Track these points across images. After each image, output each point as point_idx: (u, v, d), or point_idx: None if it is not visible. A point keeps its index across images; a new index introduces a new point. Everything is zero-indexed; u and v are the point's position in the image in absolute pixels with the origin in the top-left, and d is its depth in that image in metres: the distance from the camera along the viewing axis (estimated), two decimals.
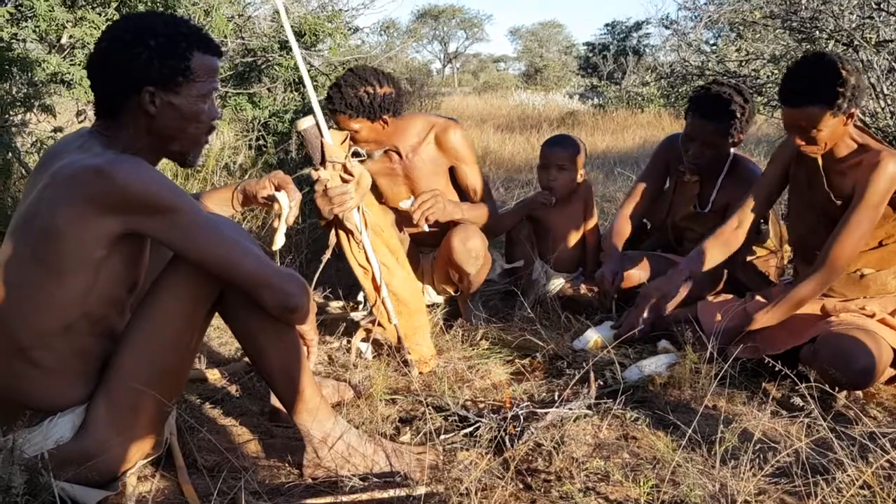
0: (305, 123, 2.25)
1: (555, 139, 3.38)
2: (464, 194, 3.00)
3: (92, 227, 1.51)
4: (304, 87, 2.30)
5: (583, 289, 3.16)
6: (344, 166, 2.24)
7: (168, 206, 1.53)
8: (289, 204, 1.98)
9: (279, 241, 2.01)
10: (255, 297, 1.63)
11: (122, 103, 1.62)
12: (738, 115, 2.85)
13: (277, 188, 2.01)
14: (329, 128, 2.27)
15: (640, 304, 2.63)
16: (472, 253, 2.77)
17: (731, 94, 2.87)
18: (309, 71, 4.66)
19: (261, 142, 4.74)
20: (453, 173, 2.99)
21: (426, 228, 2.74)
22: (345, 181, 2.24)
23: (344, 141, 2.32)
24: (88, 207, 1.49)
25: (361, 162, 2.93)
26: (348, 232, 2.35)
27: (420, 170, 2.94)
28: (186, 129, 1.67)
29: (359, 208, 2.32)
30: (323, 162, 2.24)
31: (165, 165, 4.16)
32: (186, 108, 1.64)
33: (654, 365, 2.40)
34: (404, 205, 2.75)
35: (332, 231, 2.40)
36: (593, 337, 2.70)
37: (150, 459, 1.76)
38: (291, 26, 4.91)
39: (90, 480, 1.60)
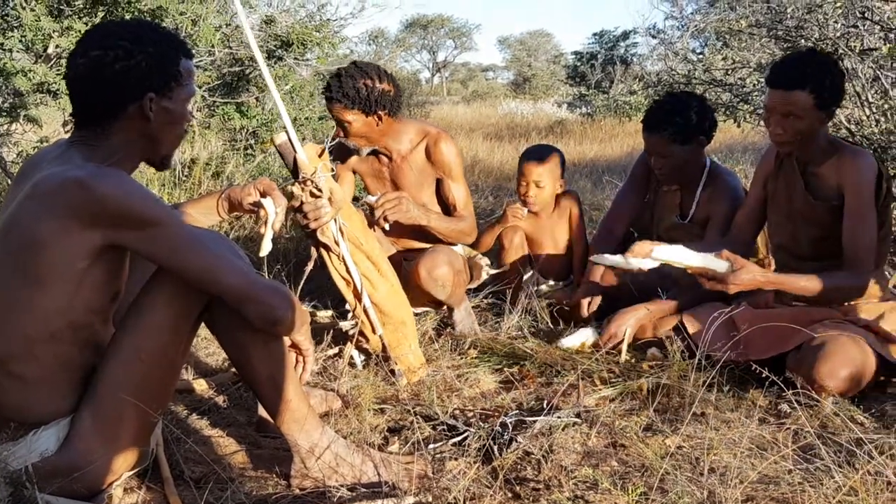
0: (281, 138, 2.24)
1: (532, 153, 3.29)
2: (446, 208, 2.99)
3: (74, 240, 1.50)
4: (281, 98, 2.27)
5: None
6: (312, 181, 2.23)
7: (151, 219, 1.53)
8: (275, 210, 1.98)
9: (266, 248, 2.00)
10: (239, 311, 1.63)
11: (119, 111, 1.61)
12: (679, 120, 2.86)
13: (263, 194, 2.00)
14: (304, 141, 2.26)
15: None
16: (439, 282, 2.75)
17: (670, 102, 2.92)
18: (298, 81, 4.67)
19: (249, 151, 4.74)
20: (438, 186, 2.97)
21: (386, 227, 2.72)
22: (315, 196, 2.23)
23: (321, 154, 2.31)
24: (70, 220, 1.48)
25: (351, 154, 2.92)
26: (325, 247, 2.35)
27: (407, 177, 2.93)
28: (173, 132, 1.69)
29: (335, 221, 2.32)
30: (297, 176, 2.23)
31: (154, 174, 4.15)
32: (176, 111, 1.66)
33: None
34: (370, 199, 2.74)
35: (316, 243, 2.39)
36: (582, 339, 2.73)
37: (136, 471, 1.74)
38: (278, 35, 4.94)
39: (76, 493, 1.58)
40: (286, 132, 2.22)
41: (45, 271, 1.51)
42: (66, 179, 1.49)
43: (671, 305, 2.72)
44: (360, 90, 2.68)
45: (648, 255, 2.35)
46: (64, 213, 1.48)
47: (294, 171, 2.23)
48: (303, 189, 2.21)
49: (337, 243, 2.34)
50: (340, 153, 2.99)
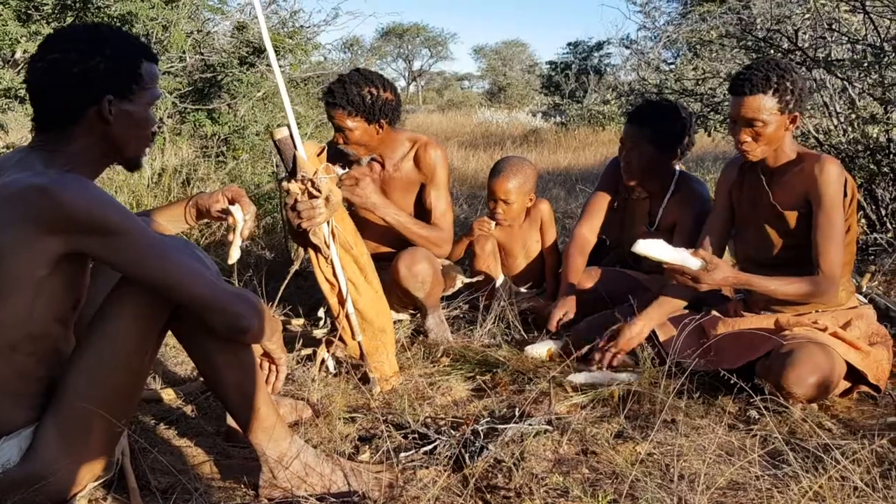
0: (281, 133, 2.23)
1: (500, 170, 3.24)
2: (426, 217, 2.96)
3: (35, 247, 1.47)
4: (281, 96, 2.27)
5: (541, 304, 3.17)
6: (312, 181, 2.22)
7: (113, 227, 1.50)
8: (243, 217, 1.96)
9: (234, 255, 1.98)
10: (204, 320, 1.61)
11: (78, 114, 1.58)
12: (662, 123, 2.91)
13: (231, 202, 1.99)
14: (305, 139, 2.25)
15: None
16: (419, 277, 2.74)
17: (661, 105, 3.00)
18: (271, 88, 4.64)
19: (220, 158, 4.71)
20: (421, 192, 2.96)
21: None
22: (312, 196, 2.21)
23: (320, 153, 2.29)
24: (31, 227, 1.46)
25: (350, 164, 2.90)
26: (315, 248, 2.33)
27: (395, 184, 2.93)
28: (136, 136, 1.67)
29: (328, 223, 2.30)
30: (294, 174, 2.22)
31: (123, 180, 4.10)
32: (138, 114, 1.64)
33: (600, 376, 2.50)
34: (337, 170, 2.73)
35: (302, 243, 2.37)
36: (547, 346, 2.74)
37: (101, 481, 1.71)
38: (250, 42, 4.91)
39: None
40: (288, 128, 2.21)
41: (5, 281, 1.48)
42: (27, 186, 1.46)
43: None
44: (364, 98, 2.68)
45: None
46: (25, 221, 1.46)
47: (293, 168, 2.22)
48: (302, 188, 2.20)
49: (328, 246, 2.32)
50: (334, 157, 2.97)
